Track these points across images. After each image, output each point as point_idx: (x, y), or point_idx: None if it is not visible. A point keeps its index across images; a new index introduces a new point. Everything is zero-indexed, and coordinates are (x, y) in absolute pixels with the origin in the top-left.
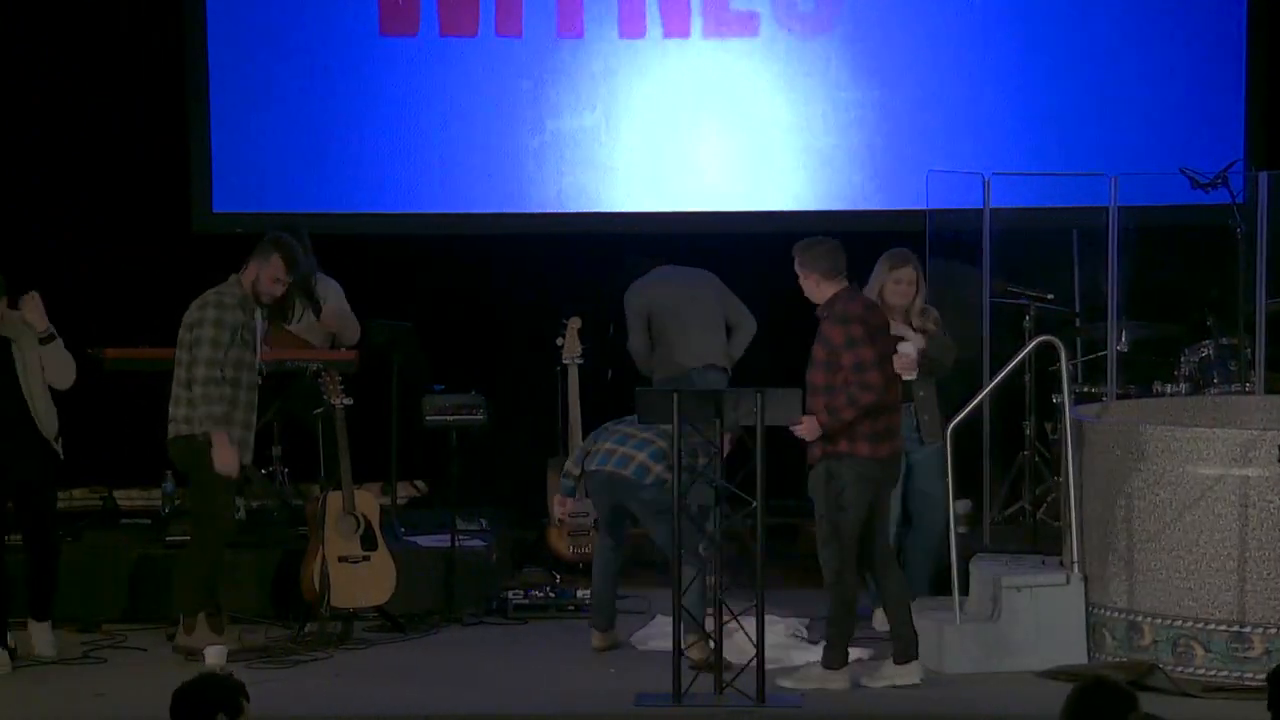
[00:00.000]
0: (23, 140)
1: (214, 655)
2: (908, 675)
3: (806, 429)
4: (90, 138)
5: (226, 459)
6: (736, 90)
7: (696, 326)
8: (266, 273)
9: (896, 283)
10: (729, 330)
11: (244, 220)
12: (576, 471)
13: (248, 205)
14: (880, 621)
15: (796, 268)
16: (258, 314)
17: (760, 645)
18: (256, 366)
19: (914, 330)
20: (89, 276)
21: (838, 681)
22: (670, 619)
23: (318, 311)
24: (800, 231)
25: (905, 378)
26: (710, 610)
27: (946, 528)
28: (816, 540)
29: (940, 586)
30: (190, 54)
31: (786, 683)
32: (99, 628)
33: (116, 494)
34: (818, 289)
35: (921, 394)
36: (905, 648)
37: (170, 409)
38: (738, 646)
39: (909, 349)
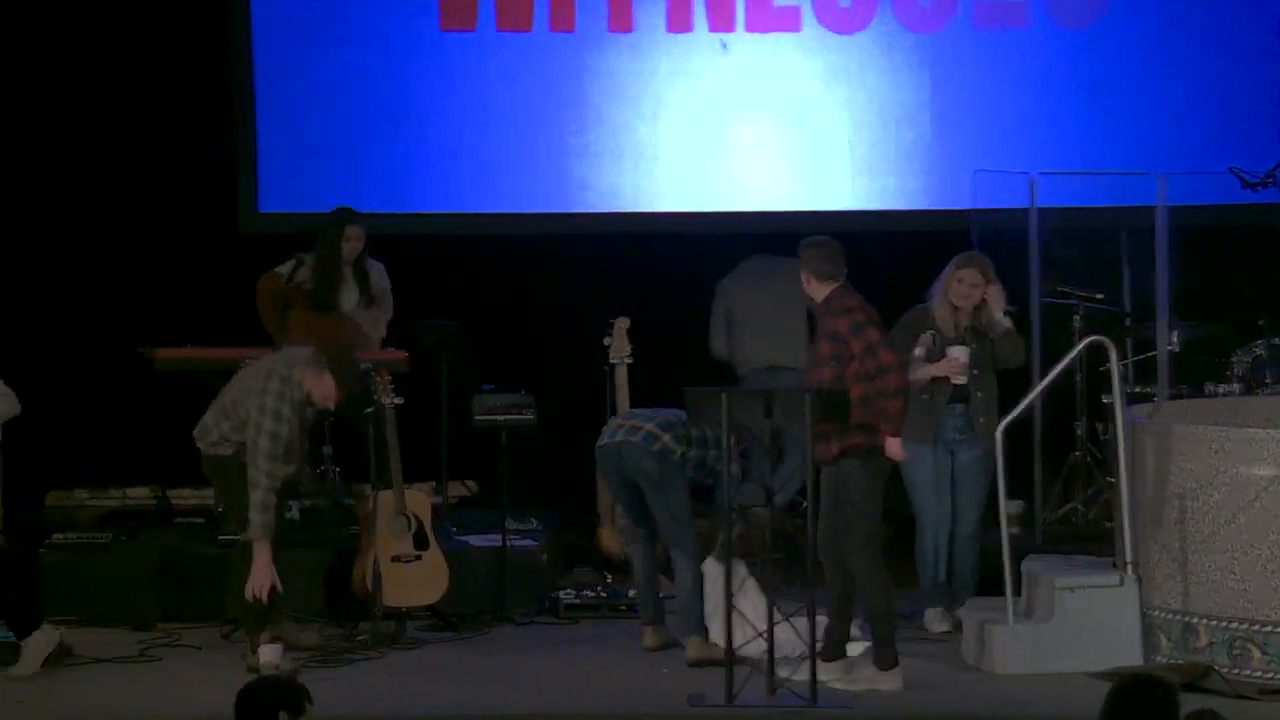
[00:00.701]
0: (69, 142)
1: (269, 654)
2: (830, 672)
3: (893, 450)
4: (136, 138)
5: (262, 578)
6: (780, 87)
7: (768, 326)
8: (319, 391)
9: (959, 282)
10: None
11: (290, 220)
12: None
13: (294, 205)
14: (933, 621)
15: (800, 264)
16: (309, 410)
17: (813, 645)
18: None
19: (988, 325)
20: (137, 277)
21: (890, 682)
22: (720, 619)
23: (370, 301)
24: (844, 232)
25: (955, 382)
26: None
27: (980, 529)
28: (849, 543)
29: (990, 587)
30: (235, 53)
31: (838, 684)
32: (153, 626)
33: (170, 493)
34: (815, 287)
35: (980, 395)
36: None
37: (207, 423)
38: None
39: (959, 353)
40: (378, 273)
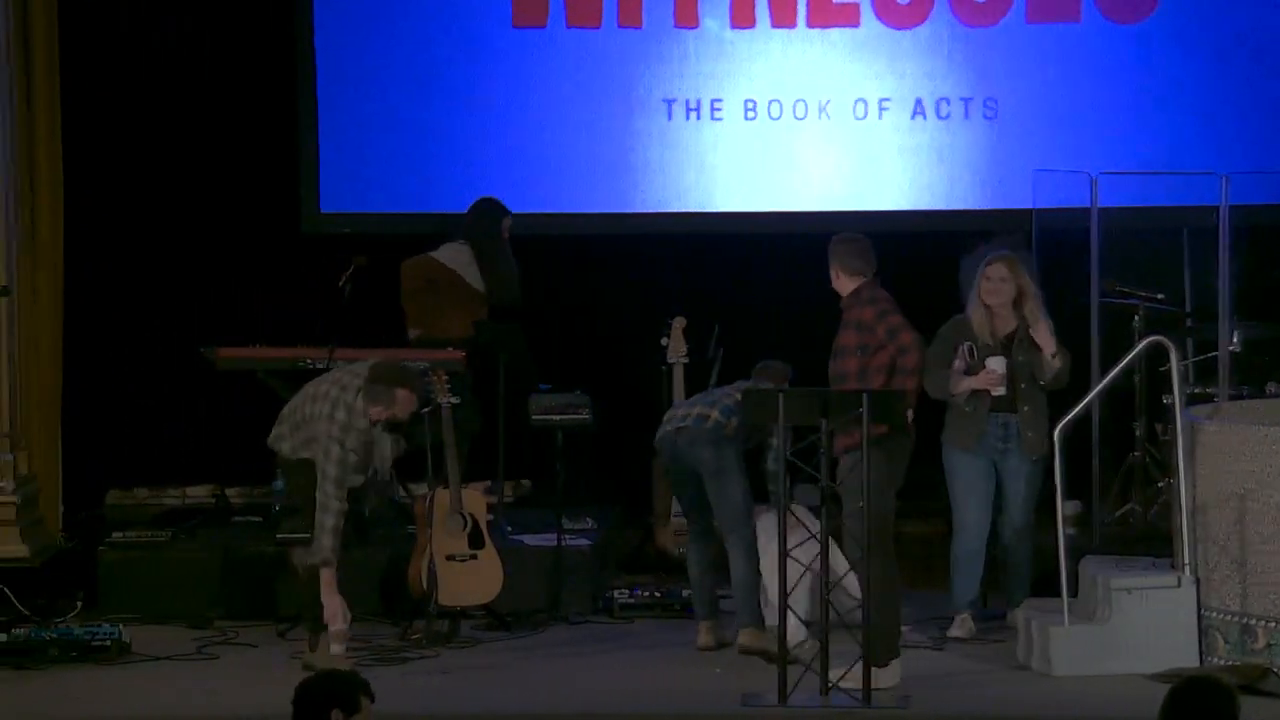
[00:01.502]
0: (132, 143)
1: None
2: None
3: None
4: (199, 139)
5: (333, 605)
6: (840, 84)
7: None
8: (399, 410)
9: (987, 279)
10: None
11: (351, 220)
12: None
13: (355, 205)
14: (955, 626)
15: (829, 258)
16: (376, 428)
17: (866, 645)
18: (359, 482)
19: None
20: (199, 277)
21: (887, 679)
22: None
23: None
24: (902, 232)
25: (994, 394)
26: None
27: (1029, 529)
28: (855, 534)
29: (1046, 588)
30: (299, 53)
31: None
32: (210, 624)
33: (228, 492)
34: (843, 282)
35: (1026, 408)
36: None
37: (282, 433)
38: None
39: (996, 364)
40: None
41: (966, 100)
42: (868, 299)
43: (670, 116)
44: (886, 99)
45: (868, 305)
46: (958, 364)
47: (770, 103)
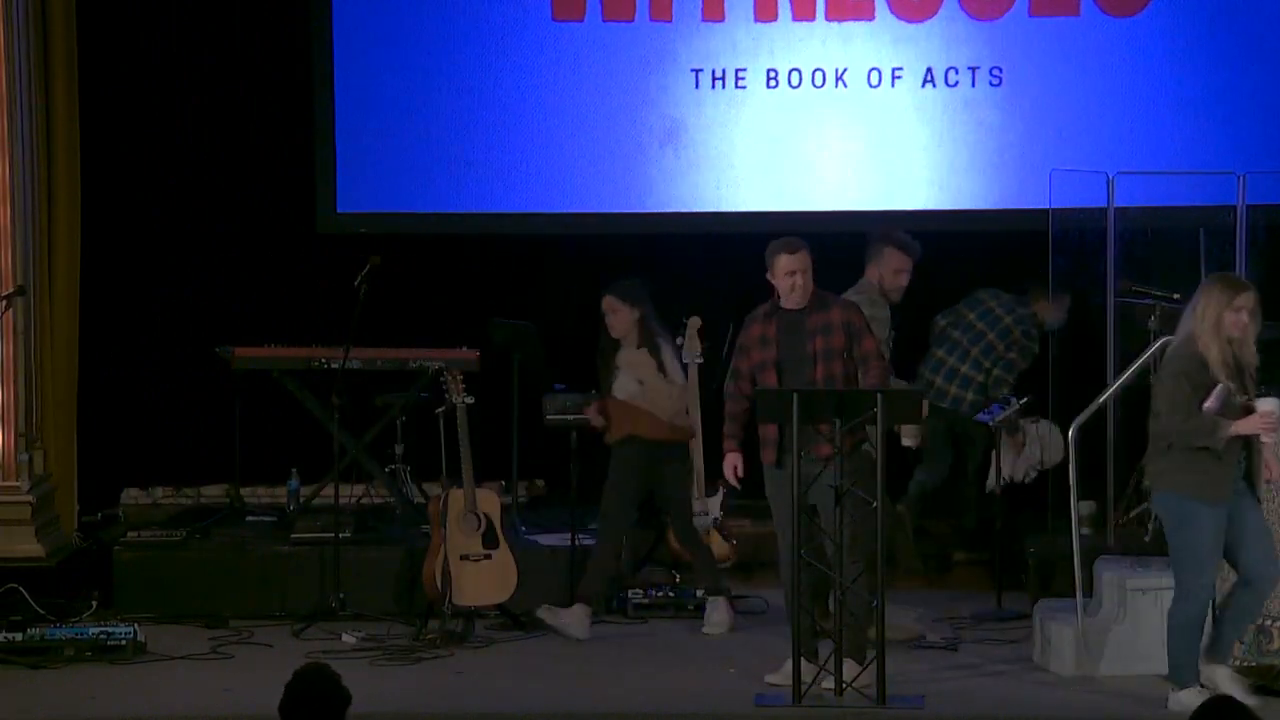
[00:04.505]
0: (151, 144)
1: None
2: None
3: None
4: (216, 138)
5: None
6: (856, 81)
7: None
8: (889, 267)
9: (1237, 311)
10: None
11: (368, 220)
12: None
13: (371, 205)
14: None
15: (800, 267)
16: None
17: (881, 645)
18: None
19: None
20: (215, 277)
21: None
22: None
23: None
24: (922, 232)
25: (1265, 439)
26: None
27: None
28: (848, 541)
29: (1061, 588)
30: (316, 52)
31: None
32: (226, 623)
33: (243, 491)
34: (812, 283)
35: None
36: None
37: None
38: None
39: (1271, 405)
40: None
41: (980, 96)
42: (849, 303)
43: (697, 85)
44: (896, 93)
45: (854, 311)
46: (1211, 404)
47: (790, 71)
